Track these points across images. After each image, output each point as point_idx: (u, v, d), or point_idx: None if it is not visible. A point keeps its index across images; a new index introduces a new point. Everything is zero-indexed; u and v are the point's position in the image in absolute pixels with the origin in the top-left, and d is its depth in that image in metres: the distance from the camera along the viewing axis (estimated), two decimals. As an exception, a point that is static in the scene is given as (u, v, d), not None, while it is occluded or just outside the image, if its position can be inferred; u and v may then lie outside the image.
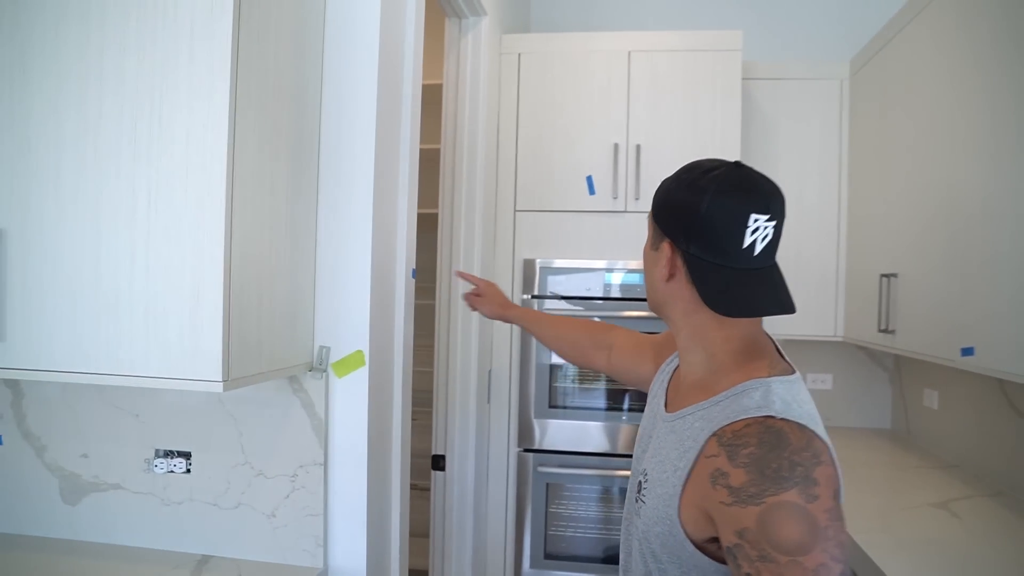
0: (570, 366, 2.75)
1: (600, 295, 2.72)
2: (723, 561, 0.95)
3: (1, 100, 1.27)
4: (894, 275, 2.41)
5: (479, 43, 2.50)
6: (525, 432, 2.75)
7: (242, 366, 1.26)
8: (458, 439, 2.52)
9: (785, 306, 1.00)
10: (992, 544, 1.79)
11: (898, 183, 2.43)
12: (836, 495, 0.87)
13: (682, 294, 1.05)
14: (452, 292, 2.53)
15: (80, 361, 1.25)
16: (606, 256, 2.73)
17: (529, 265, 2.76)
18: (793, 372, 1.01)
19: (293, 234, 1.46)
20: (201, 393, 1.56)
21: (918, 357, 2.27)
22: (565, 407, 2.74)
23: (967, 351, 1.91)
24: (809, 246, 2.94)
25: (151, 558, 1.55)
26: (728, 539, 0.90)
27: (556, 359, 2.75)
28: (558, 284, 2.75)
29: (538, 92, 2.77)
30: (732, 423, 0.94)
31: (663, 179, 1.09)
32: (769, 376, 0.98)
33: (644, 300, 2.60)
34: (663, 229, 1.06)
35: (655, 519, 1.01)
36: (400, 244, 1.70)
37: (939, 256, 2.12)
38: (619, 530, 1.31)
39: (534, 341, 2.73)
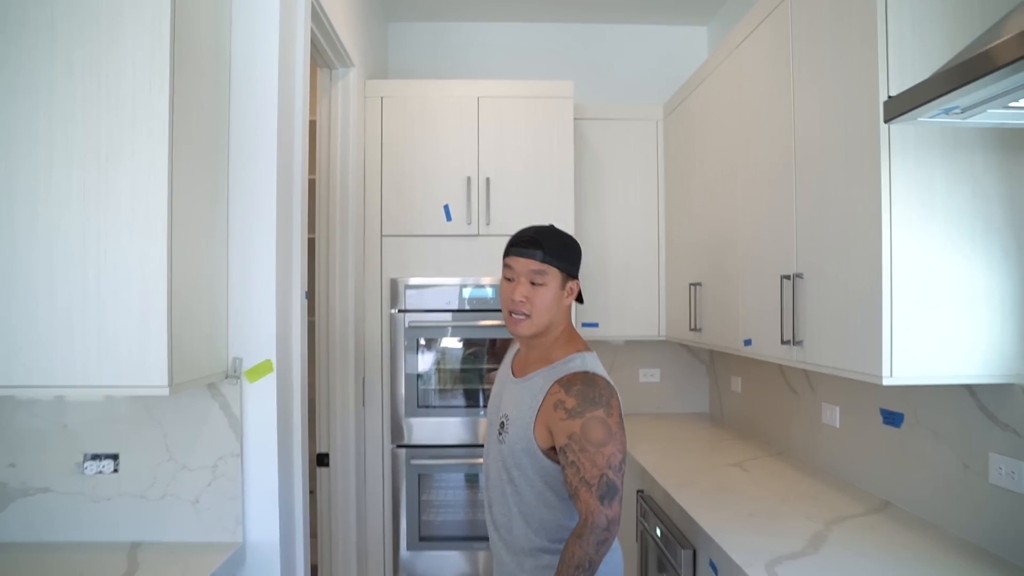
0: (432, 373, 3.14)
1: (456, 308, 3.13)
2: (558, 461, 1.60)
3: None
4: (699, 284, 2.99)
5: (348, 90, 2.85)
6: (397, 430, 3.11)
7: (181, 374, 1.56)
8: (340, 438, 2.84)
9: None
10: (767, 487, 2.35)
11: (696, 207, 3.01)
12: (621, 416, 1.60)
13: (567, 307, 1.74)
14: (329, 310, 2.85)
15: (39, 376, 1.50)
16: (463, 274, 3.14)
17: (395, 284, 3.13)
18: (591, 351, 1.73)
19: (212, 265, 1.76)
20: (128, 402, 1.82)
21: (719, 349, 2.84)
22: (430, 406, 3.13)
23: (747, 342, 2.48)
24: (635, 261, 3.50)
25: (85, 549, 1.78)
26: (561, 441, 1.57)
27: (421, 367, 3.13)
28: (421, 299, 3.13)
29: (399, 130, 3.15)
30: (567, 375, 1.63)
31: (541, 234, 1.69)
32: (583, 351, 1.71)
33: (493, 311, 3.07)
34: (571, 272, 1.70)
35: (516, 440, 1.65)
36: (295, 270, 2.03)
37: (722, 267, 2.70)
38: (483, 511, 1.78)
39: (403, 351, 3.10)
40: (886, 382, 1.62)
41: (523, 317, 1.66)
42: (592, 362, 1.68)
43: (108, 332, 1.50)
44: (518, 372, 1.77)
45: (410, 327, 3.11)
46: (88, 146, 1.51)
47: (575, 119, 3.33)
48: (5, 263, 1.51)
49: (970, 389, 1.78)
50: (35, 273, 1.51)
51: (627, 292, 3.51)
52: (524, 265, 1.66)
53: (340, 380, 2.84)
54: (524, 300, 1.65)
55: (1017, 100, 1.09)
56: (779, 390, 2.90)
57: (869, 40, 1.64)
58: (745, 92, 2.48)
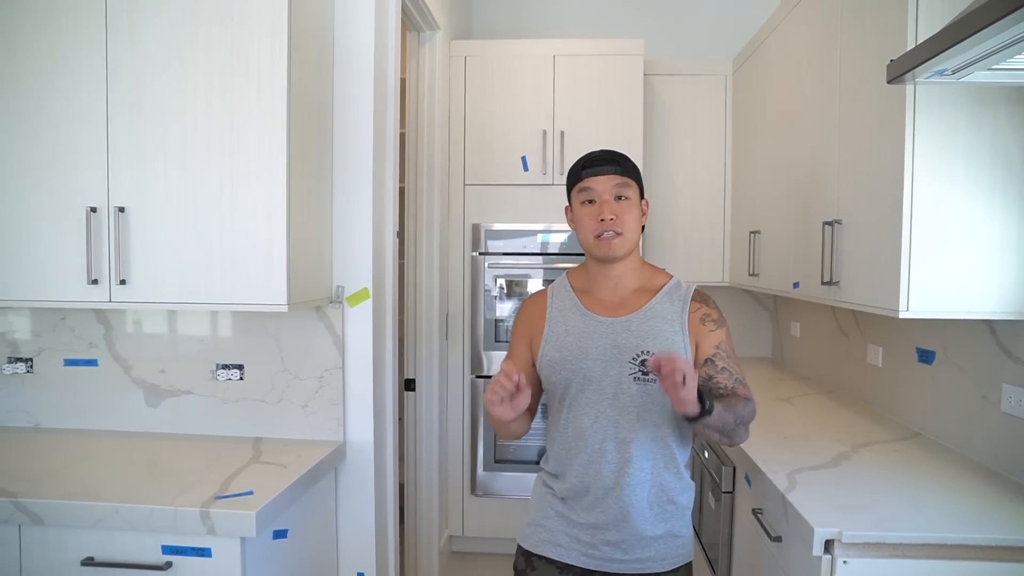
0: (508, 313, 3.45)
1: (532, 251, 3.41)
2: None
3: (129, 125, 1.87)
4: (758, 231, 3.17)
5: (434, 51, 3.13)
6: (476, 361, 3.45)
7: (296, 296, 1.91)
8: (424, 366, 3.20)
9: None
10: (810, 417, 2.57)
11: (763, 158, 3.17)
12: None
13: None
14: (417, 250, 3.18)
15: (180, 294, 1.88)
16: (539, 220, 3.41)
17: (476, 228, 3.43)
18: None
19: (320, 207, 2.10)
20: (251, 321, 2.20)
21: (772, 292, 3.03)
22: (506, 341, 3.44)
23: (796, 285, 2.67)
24: (702, 209, 3.68)
25: (219, 440, 2.19)
26: (709, 351, 1.61)
27: (499, 305, 3.44)
28: (500, 243, 3.43)
29: (481, 87, 3.41)
30: (697, 290, 1.67)
31: (611, 152, 1.64)
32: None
33: (566, 254, 3.34)
34: (642, 189, 1.67)
35: None
36: (388, 213, 2.35)
37: (777, 215, 2.87)
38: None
39: (482, 290, 3.42)
40: (902, 315, 1.81)
41: (615, 235, 1.58)
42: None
43: (240, 260, 1.86)
44: (614, 309, 1.64)
45: (489, 267, 3.41)
46: (224, 106, 1.85)
47: (646, 74, 3.51)
48: (164, 203, 1.88)
49: (990, 326, 1.94)
50: (185, 212, 1.87)
51: (693, 239, 3.70)
52: (606, 183, 1.60)
53: (426, 314, 3.18)
54: (615, 217, 1.58)
55: (999, 63, 1.26)
56: (832, 333, 3.07)
57: (901, 1, 1.79)
58: (801, 50, 2.62)
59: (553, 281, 1.78)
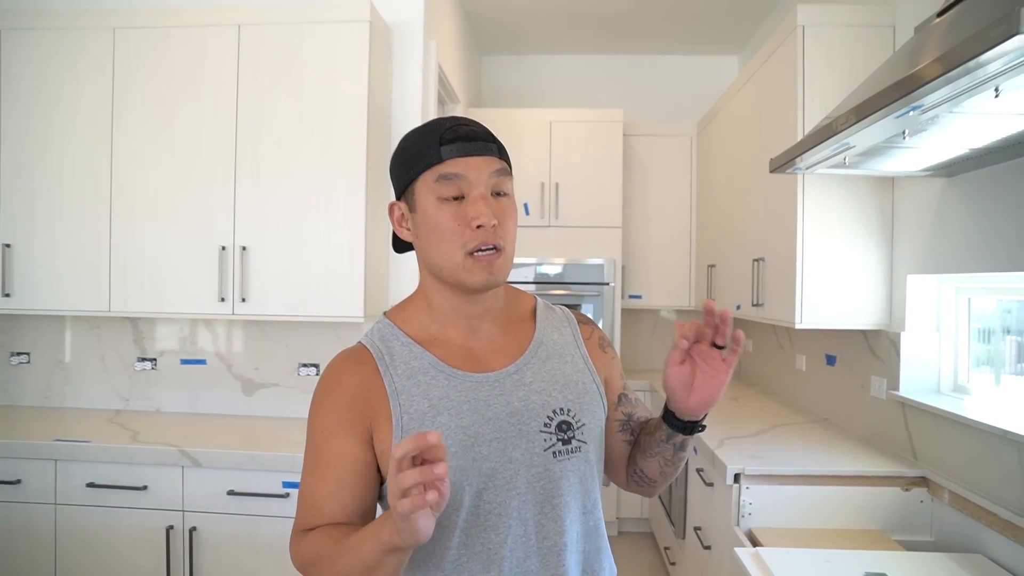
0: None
1: (531, 280, 4.17)
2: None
3: (251, 188, 2.63)
4: (714, 265, 3.94)
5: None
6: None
7: (367, 311, 2.66)
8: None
9: None
10: (747, 409, 3.32)
11: (717, 206, 3.96)
12: None
13: None
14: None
15: (286, 309, 2.63)
16: (538, 255, 4.18)
17: (487, 261, 4.19)
18: None
19: (380, 247, 2.85)
20: (324, 329, 2.94)
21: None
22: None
23: (738, 307, 3.43)
24: (672, 246, 4.46)
25: (299, 424, 2.90)
26: (618, 387, 1.20)
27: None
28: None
29: (491, 147, 4.20)
30: (566, 313, 1.24)
31: (484, 127, 1.09)
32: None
33: (560, 283, 4.10)
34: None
35: (595, 424, 1.12)
36: (426, 250, 3.11)
37: (726, 253, 3.65)
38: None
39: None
40: (797, 326, 2.57)
41: (493, 252, 1.04)
42: None
43: (329, 285, 2.61)
44: (489, 359, 1.11)
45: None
46: (320, 175, 2.62)
47: (625, 135, 4.32)
48: (275, 244, 2.63)
49: (864, 334, 2.71)
50: (290, 250, 2.63)
51: (665, 271, 4.47)
52: (482, 166, 1.05)
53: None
54: (497, 223, 1.04)
55: (832, 167, 2.03)
56: (773, 347, 3.84)
57: (791, 99, 2.58)
58: (742, 124, 3.42)
59: (366, 335, 1.15)
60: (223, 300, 2.64)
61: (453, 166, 1.04)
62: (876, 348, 2.63)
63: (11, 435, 2.53)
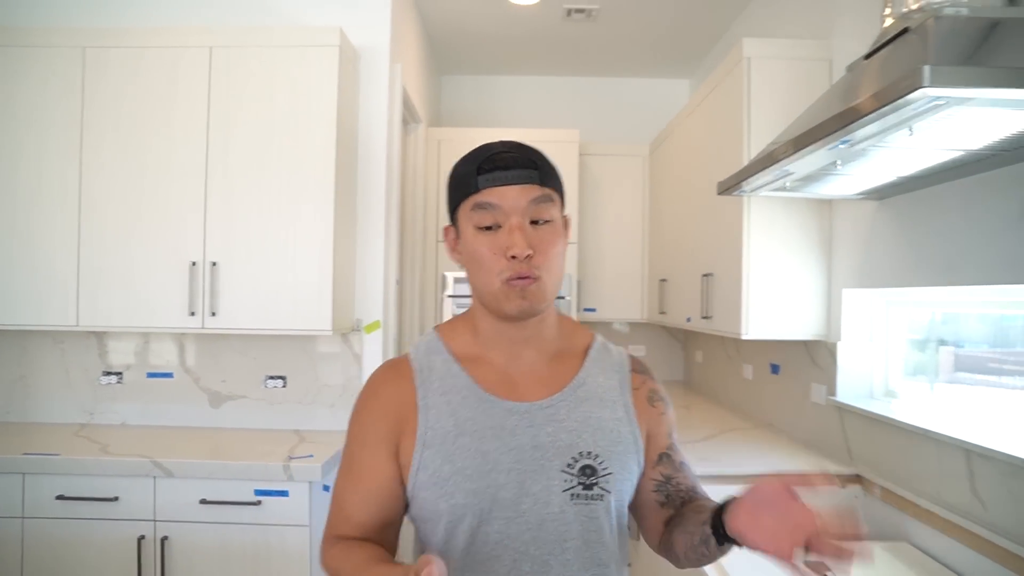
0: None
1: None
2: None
3: (221, 206, 2.70)
4: (665, 279, 4.12)
5: (418, 138, 4.04)
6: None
7: (336, 325, 2.74)
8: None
9: None
10: (698, 416, 3.49)
11: (669, 224, 4.14)
12: None
13: None
14: (410, 293, 4.03)
15: (256, 323, 2.70)
16: (496, 269, 4.30)
17: (444, 277, 4.31)
18: None
19: (349, 263, 2.94)
20: (291, 342, 3.01)
21: (674, 326, 3.98)
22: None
23: (688, 319, 3.61)
24: (625, 261, 4.63)
25: (269, 433, 2.98)
26: (662, 445, 1.14)
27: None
28: (461, 287, 4.30)
29: (451, 164, 4.31)
30: (622, 358, 1.18)
31: (523, 146, 1.11)
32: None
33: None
34: (562, 198, 1.11)
35: (624, 477, 1.08)
36: (392, 266, 3.21)
37: (676, 268, 3.83)
38: None
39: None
40: (744, 337, 2.74)
41: (532, 280, 1.04)
42: None
43: (298, 300, 2.70)
44: (527, 388, 1.11)
45: (455, 308, 4.28)
46: (289, 194, 2.70)
47: (581, 155, 4.48)
48: (245, 260, 2.71)
49: (805, 344, 2.90)
50: (259, 266, 2.70)
51: (618, 285, 4.64)
52: (518, 196, 1.05)
53: (408, 342, 4.03)
54: (533, 252, 1.03)
55: (774, 190, 2.21)
56: (723, 358, 4.03)
57: (737, 125, 2.76)
58: (692, 147, 3.61)
59: (414, 347, 1.18)
60: (193, 314, 2.70)
61: (488, 196, 1.05)
62: (816, 357, 2.82)
63: (-22, 449, 2.55)
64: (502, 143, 1.11)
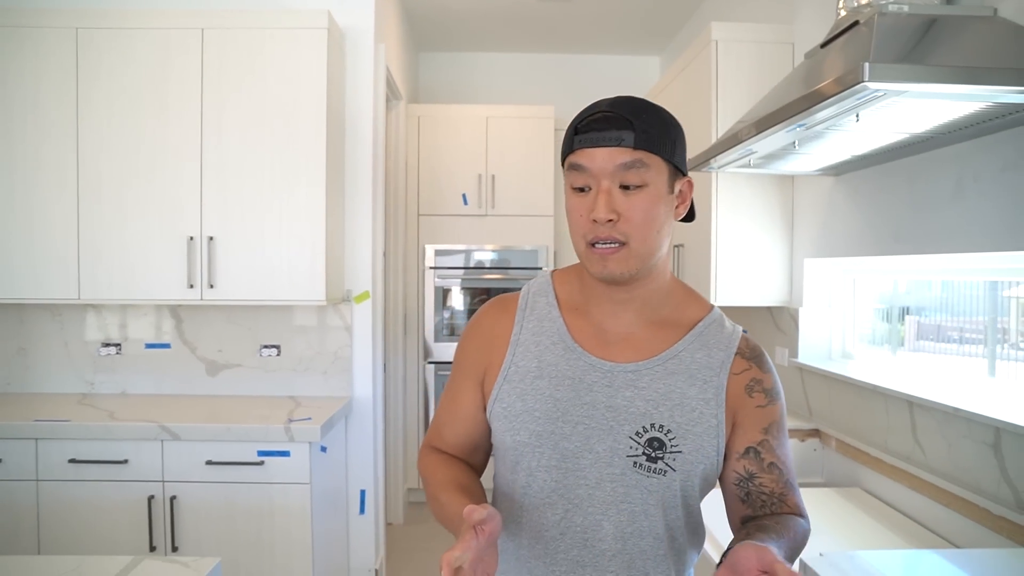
0: (450, 311, 4.48)
1: (465, 265, 4.46)
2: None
3: (216, 182, 2.82)
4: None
5: (399, 115, 4.16)
6: (427, 350, 4.47)
7: (328, 295, 2.89)
8: (391, 352, 4.19)
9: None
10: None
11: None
12: None
13: (671, 229, 1.08)
14: (394, 265, 4.17)
15: (252, 294, 2.84)
16: (474, 242, 4.46)
17: (425, 249, 4.46)
18: None
19: (339, 235, 3.08)
20: (285, 312, 3.15)
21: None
22: (450, 335, 4.48)
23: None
24: (599, 233, 4.81)
25: (264, 399, 3.13)
26: (752, 439, 1.08)
27: (443, 306, 4.47)
28: (443, 259, 4.46)
29: (431, 140, 4.46)
30: (743, 339, 1.12)
31: (626, 102, 1.04)
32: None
33: (496, 268, 4.41)
34: (680, 165, 1.05)
35: (698, 459, 1.05)
36: (378, 238, 3.35)
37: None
38: None
39: (431, 295, 4.43)
40: (712, 304, 2.94)
41: (614, 246, 1.02)
42: None
43: (292, 271, 2.84)
44: (618, 348, 1.10)
45: (436, 279, 4.44)
46: (282, 171, 2.83)
47: (556, 129, 4.63)
48: (240, 234, 2.83)
49: (769, 311, 3.11)
50: (254, 240, 2.84)
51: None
52: (606, 159, 1.00)
53: (393, 313, 4.18)
54: (617, 216, 1.00)
55: (740, 167, 2.39)
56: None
57: (705, 105, 2.93)
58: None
59: (527, 284, 1.20)
60: (192, 287, 2.83)
61: (580, 157, 1.02)
62: (780, 322, 3.03)
63: (-10, 417, 2.68)
64: (612, 100, 1.05)
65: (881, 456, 2.22)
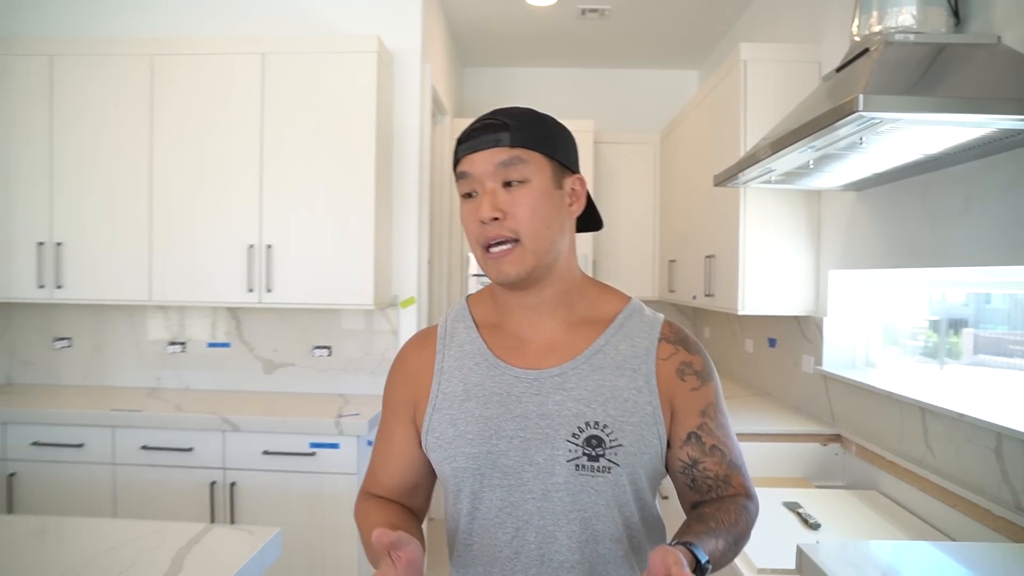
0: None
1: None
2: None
3: (274, 195, 3.05)
4: (674, 260, 4.44)
5: (444, 129, 4.37)
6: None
7: (376, 300, 3.10)
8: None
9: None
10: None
11: (677, 208, 4.45)
12: None
13: (571, 230, 1.11)
14: (439, 271, 4.38)
15: (307, 298, 3.06)
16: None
17: (467, 258, 4.65)
18: None
19: (387, 243, 3.29)
20: (336, 316, 3.38)
21: (681, 304, 4.30)
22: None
23: (694, 296, 3.93)
24: (637, 243, 4.95)
25: (316, 397, 3.35)
26: (691, 424, 1.06)
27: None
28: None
29: (476, 153, 4.64)
30: (666, 324, 1.12)
31: (503, 110, 1.08)
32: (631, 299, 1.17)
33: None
34: (563, 160, 1.07)
35: (640, 450, 1.03)
36: (424, 247, 3.56)
37: (683, 249, 4.14)
38: None
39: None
40: (740, 313, 3.07)
41: (507, 247, 1.03)
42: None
43: (343, 277, 3.05)
44: (540, 356, 1.09)
45: (479, 286, 4.62)
46: (335, 185, 3.05)
47: (595, 143, 4.79)
48: (296, 242, 3.06)
49: (796, 320, 3.22)
50: (309, 247, 3.06)
51: (631, 265, 4.97)
52: (485, 160, 1.03)
53: (436, 317, 4.37)
54: (500, 214, 1.02)
55: (762, 183, 2.52)
56: (727, 333, 4.35)
57: (735, 121, 3.07)
58: (697, 137, 3.91)
59: (444, 315, 1.21)
60: (251, 291, 3.07)
61: (464, 164, 1.06)
62: (806, 331, 3.14)
63: (73, 406, 2.95)
64: (493, 111, 1.09)
65: (896, 460, 2.33)
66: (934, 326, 2.63)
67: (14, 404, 2.99)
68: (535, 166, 1.04)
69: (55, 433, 2.86)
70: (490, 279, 1.08)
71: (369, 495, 1.18)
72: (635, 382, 1.06)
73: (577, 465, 1.03)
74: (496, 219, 1.02)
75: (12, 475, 2.85)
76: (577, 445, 1.03)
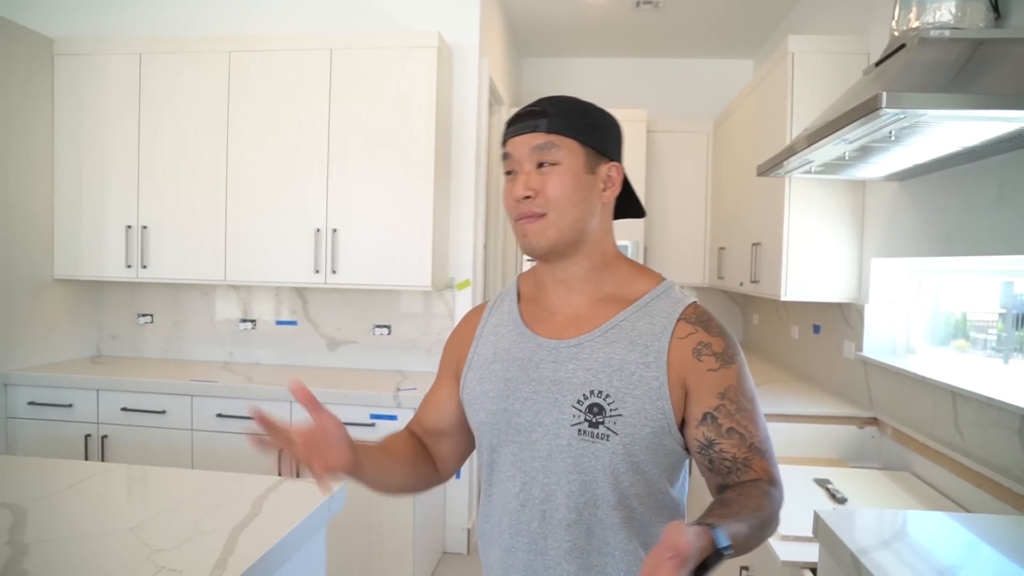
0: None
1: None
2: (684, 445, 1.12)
3: (340, 181, 3.26)
4: (724, 247, 4.52)
5: (502, 119, 4.52)
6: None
7: (434, 282, 3.28)
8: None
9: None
10: (753, 373, 3.91)
11: (728, 197, 4.52)
12: None
13: (606, 213, 1.18)
14: (494, 256, 4.55)
15: (369, 279, 3.27)
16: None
17: (525, 242, 4.81)
18: None
19: (445, 228, 3.47)
20: (395, 296, 3.58)
21: (731, 290, 4.38)
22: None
23: (741, 284, 4.01)
24: (688, 230, 5.03)
25: (376, 372, 3.57)
26: (708, 404, 1.09)
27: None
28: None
29: (530, 142, 4.79)
30: (691, 306, 1.15)
31: (569, 104, 1.16)
32: (667, 280, 1.21)
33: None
34: (599, 148, 1.15)
35: (640, 422, 1.07)
36: (479, 232, 3.73)
37: (732, 236, 4.22)
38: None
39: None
40: (783, 299, 3.15)
41: (533, 217, 1.12)
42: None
43: (403, 260, 3.25)
44: (563, 327, 1.17)
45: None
46: (397, 172, 3.24)
47: (648, 131, 4.88)
48: (360, 226, 3.27)
49: (839, 306, 3.29)
50: (372, 231, 3.26)
51: (683, 252, 5.05)
52: (523, 144, 1.13)
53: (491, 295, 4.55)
54: (532, 192, 1.11)
55: (803, 173, 2.60)
56: (774, 320, 4.42)
57: (782, 111, 3.14)
58: (747, 126, 3.98)
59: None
60: (317, 272, 3.29)
61: (508, 147, 1.16)
62: (848, 318, 3.21)
63: (156, 376, 3.23)
64: (539, 99, 1.18)
65: (927, 442, 2.40)
66: (1002, 319, 2.51)
67: (105, 373, 3.28)
68: (567, 151, 1.12)
69: (141, 400, 3.14)
70: (521, 249, 1.18)
71: (408, 429, 1.34)
72: (645, 357, 1.10)
73: (579, 430, 1.09)
74: (528, 197, 1.12)
75: (104, 437, 3.14)
76: (580, 411, 1.09)
